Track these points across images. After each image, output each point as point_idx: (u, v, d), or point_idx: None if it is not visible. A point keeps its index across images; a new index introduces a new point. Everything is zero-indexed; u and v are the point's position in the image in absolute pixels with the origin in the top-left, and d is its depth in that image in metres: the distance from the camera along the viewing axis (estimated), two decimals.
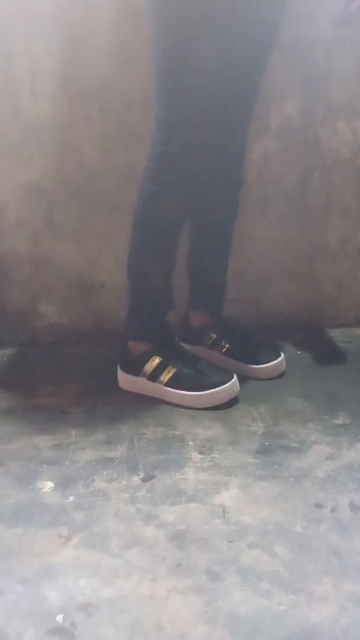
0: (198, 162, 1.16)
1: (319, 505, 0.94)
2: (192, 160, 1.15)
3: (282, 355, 1.36)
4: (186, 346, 1.34)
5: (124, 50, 1.36)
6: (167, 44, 1.11)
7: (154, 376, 1.25)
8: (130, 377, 1.28)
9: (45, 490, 0.99)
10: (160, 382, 1.25)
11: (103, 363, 1.44)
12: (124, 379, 1.30)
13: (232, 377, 1.24)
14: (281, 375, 1.35)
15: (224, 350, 1.36)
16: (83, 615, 0.75)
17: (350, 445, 1.09)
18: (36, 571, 0.83)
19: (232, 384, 1.23)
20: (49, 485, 1.01)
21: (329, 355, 1.45)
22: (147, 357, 1.26)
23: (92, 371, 1.41)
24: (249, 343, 1.38)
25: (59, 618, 0.75)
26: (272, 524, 0.90)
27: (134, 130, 1.42)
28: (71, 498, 0.97)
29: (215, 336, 1.37)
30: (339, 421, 1.17)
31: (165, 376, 1.24)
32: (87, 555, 0.85)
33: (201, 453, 1.08)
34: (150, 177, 1.19)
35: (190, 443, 1.11)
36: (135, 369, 1.27)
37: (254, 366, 1.34)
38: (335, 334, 1.57)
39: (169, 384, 1.24)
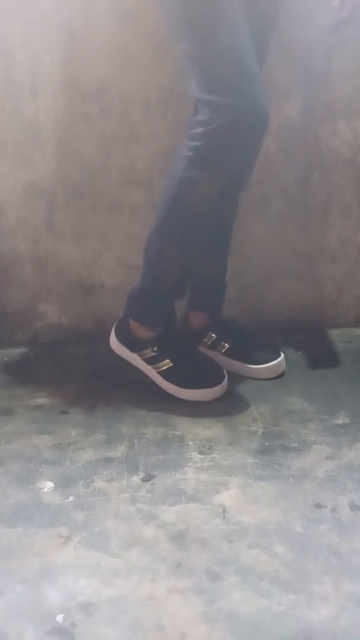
0: (243, 138, 1.10)
1: (319, 505, 0.94)
2: (238, 135, 1.09)
3: (282, 355, 1.36)
4: None
5: (124, 50, 1.36)
6: (192, 24, 1.07)
7: (150, 361, 1.29)
8: (125, 348, 1.32)
9: (45, 490, 0.99)
10: (156, 368, 1.28)
11: (103, 363, 1.44)
12: (118, 346, 1.34)
13: (223, 379, 1.26)
14: (281, 375, 1.35)
15: (224, 350, 1.36)
16: (83, 615, 0.75)
17: (350, 445, 1.09)
18: (36, 571, 0.83)
19: (221, 387, 1.26)
20: (49, 485, 1.01)
21: (329, 355, 1.45)
22: (148, 345, 1.28)
23: (92, 371, 1.41)
24: (248, 343, 1.38)
25: (59, 618, 0.75)
26: (272, 524, 0.90)
27: (134, 130, 1.42)
28: (71, 498, 0.97)
29: (215, 336, 1.37)
30: (339, 421, 1.17)
31: (162, 366, 1.27)
32: (87, 555, 0.85)
33: (201, 453, 1.08)
34: (191, 159, 1.13)
35: (190, 443, 1.11)
36: (132, 346, 1.31)
37: (254, 366, 1.34)
38: (335, 334, 1.57)
39: (163, 374, 1.27)
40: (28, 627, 0.74)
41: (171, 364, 1.27)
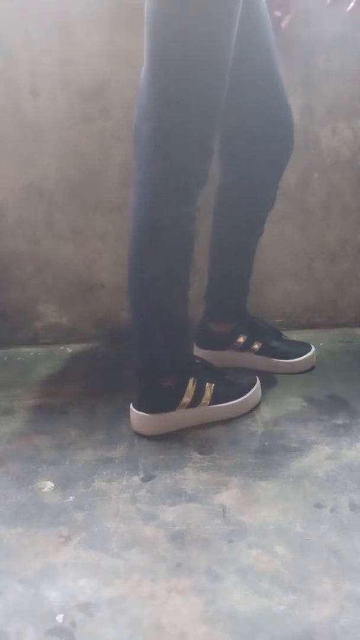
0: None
1: (319, 505, 0.94)
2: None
3: (313, 348, 1.38)
4: (210, 353, 1.33)
5: (124, 50, 1.36)
6: None
7: (195, 401, 1.14)
8: (163, 416, 1.13)
9: (45, 490, 0.99)
10: (204, 404, 1.14)
11: (103, 363, 1.44)
12: (153, 422, 1.13)
13: (254, 376, 1.24)
14: (312, 368, 1.37)
15: (256, 350, 1.35)
16: (83, 615, 0.75)
17: (350, 445, 1.09)
18: (36, 571, 0.83)
19: (255, 393, 1.22)
20: (49, 485, 1.01)
21: (329, 355, 1.45)
22: (183, 384, 1.12)
23: (92, 371, 1.41)
24: (279, 339, 1.38)
25: (59, 618, 0.75)
26: (272, 524, 0.90)
27: None
28: (71, 498, 0.97)
29: (246, 337, 1.35)
30: (339, 421, 1.17)
31: (207, 395, 1.14)
32: (87, 555, 0.85)
33: (201, 453, 1.08)
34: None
35: (190, 443, 1.11)
36: (168, 404, 1.13)
37: (288, 361, 1.35)
38: (335, 334, 1.57)
39: (212, 401, 1.15)
40: (28, 627, 0.74)
41: (213, 385, 1.15)
